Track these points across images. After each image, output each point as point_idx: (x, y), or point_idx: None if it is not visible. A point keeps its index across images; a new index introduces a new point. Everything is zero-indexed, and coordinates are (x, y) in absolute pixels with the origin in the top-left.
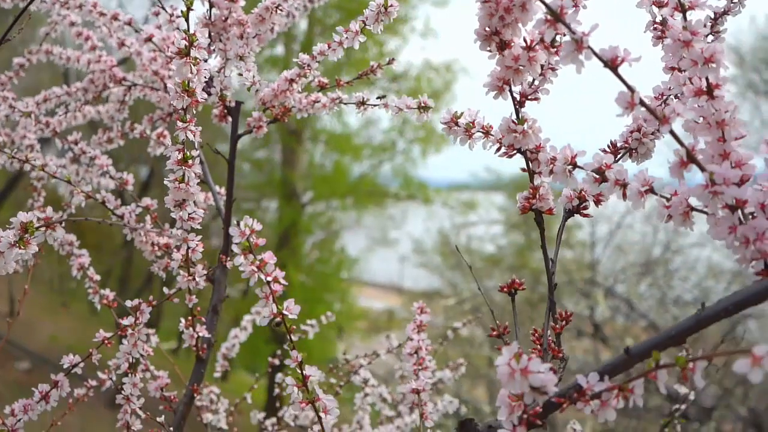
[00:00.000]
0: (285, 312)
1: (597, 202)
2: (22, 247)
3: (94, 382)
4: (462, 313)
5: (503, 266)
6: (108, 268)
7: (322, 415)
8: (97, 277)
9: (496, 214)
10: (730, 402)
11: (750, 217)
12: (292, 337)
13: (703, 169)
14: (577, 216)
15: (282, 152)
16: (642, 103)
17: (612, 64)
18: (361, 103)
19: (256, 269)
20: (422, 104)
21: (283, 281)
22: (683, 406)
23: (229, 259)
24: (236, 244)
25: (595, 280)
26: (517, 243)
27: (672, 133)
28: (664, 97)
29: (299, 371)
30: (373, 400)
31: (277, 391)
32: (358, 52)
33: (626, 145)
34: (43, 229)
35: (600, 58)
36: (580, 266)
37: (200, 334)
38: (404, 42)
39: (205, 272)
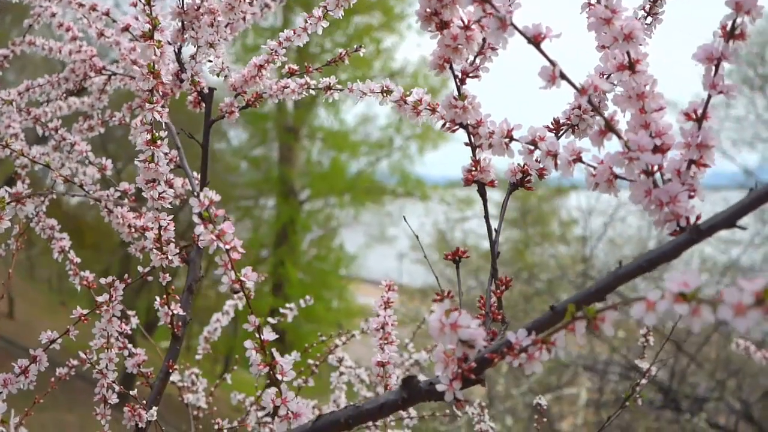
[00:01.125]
0: (243, 279)
1: (540, 176)
2: None
3: (75, 362)
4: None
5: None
6: (106, 266)
7: (279, 376)
8: (78, 260)
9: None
10: (723, 394)
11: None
12: (249, 303)
13: (620, 137)
14: (572, 212)
15: (279, 150)
16: (562, 75)
17: (535, 40)
18: (328, 88)
19: (215, 238)
20: (385, 89)
21: (241, 249)
22: (644, 381)
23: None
24: (195, 214)
25: (587, 274)
26: (513, 239)
27: (590, 103)
28: (605, 75)
29: (257, 335)
30: (348, 378)
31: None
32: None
33: (568, 122)
34: (13, 204)
35: (523, 35)
36: (575, 261)
37: (175, 312)
38: (401, 39)
39: (177, 251)
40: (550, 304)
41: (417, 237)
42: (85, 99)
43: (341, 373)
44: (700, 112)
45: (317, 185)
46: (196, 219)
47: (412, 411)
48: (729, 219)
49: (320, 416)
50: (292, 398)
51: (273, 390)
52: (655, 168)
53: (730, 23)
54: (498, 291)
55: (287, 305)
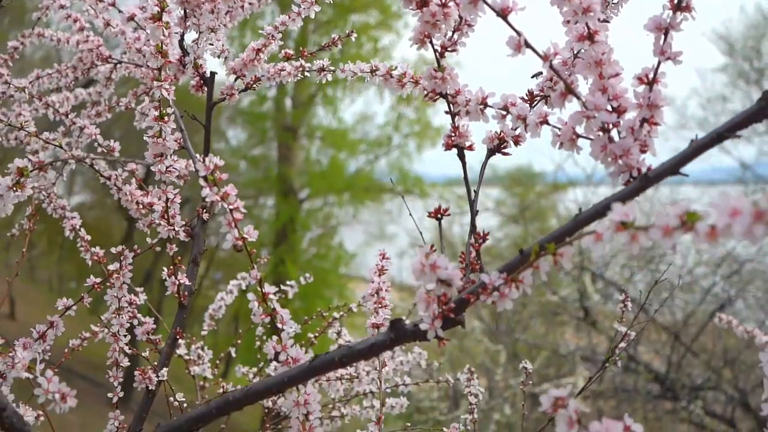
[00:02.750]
0: (246, 236)
1: (516, 143)
2: (18, 189)
3: (87, 334)
4: None
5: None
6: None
7: (279, 325)
8: (88, 237)
9: (490, 205)
10: (719, 383)
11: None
12: (252, 259)
13: (579, 98)
14: (569, 205)
15: (278, 149)
16: (527, 44)
17: (503, 13)
18: (321, 69)
19: (219, 199)
20: (374, 68)
21: (243, 210)
22: (623, 344)
23: (206, 211)
24: (202, 177)
25: (583, 265)
26: (513, 235)
27: (552, 68)
28: (575, 51)
29: (259, 288)
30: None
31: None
32: (353, 48)
33: (541, 93)
34: (36, 171)
35: (492, 9)
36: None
37: (181, 282)
38: (398, 37)
39: (183, 222)
40: (520, 249)
41: (421, 232)
42: (91, 90)
43: (340, 346)
44: (651, 76)
45: (316, 184)
46: (202, 182)
47: (407, 378)
48: (673, 167)
49: (316, 356)
50: (291, 345)
51: (274, 338)
52: (611, 125)
53: None
54: (476, 244)
55: (288, 282)
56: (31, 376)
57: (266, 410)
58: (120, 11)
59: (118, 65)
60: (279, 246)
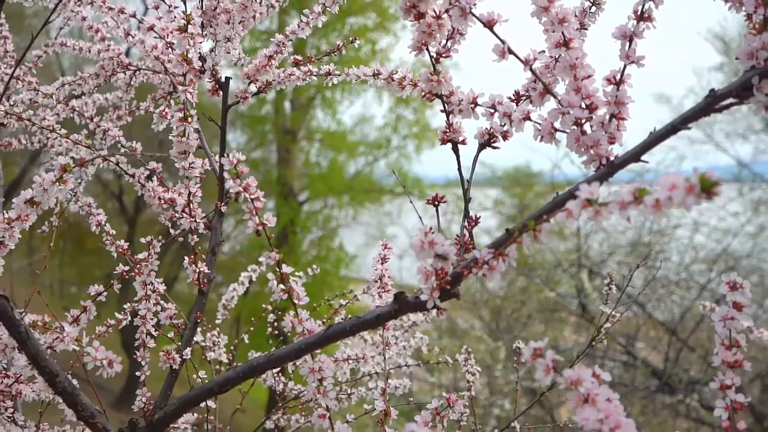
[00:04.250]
0: (265, 221)
1: (504, 137)
2: (61, 184)
3: (112, 321)
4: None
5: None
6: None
7: (296, 301)
8: (113, 232)
9: (489, 204)
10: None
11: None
12: (270, 242)
13: (555, 97)
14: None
15: (278, 152)
16: (510, 51)
17: (489, 24)
18: (328, 74)
19: (242, 189)
20: (376, 72)
21: (262, 199)
22: (607, 325)
23: (224, 204)
24: (226, 170)
25: (581, 263)
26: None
27: (532, 71)
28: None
29: (278, 269)
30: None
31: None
32: (351, 51)
33: (526, 93)
34: (77, 168)
35: (480, 21)
36: (570, 253)
37: (201, 270)
38: (396, 39)
39: (204, 215)
40: (506, 228)
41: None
42: (108, 95)
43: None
44: (618, 77)
45: (316, 186)
46: (226, 175)
47: (410, 360)
48: (635, 156)
49: (330, 326)
50: (306, 318)
51: (291, 313)
52: (583, 120)
53: (640, 8)
54: (469, 227)
55: (295, 273)
56: (78, 348)
57: (278, 394)
58: (140, 22)
59: (137, 72)
60: (279, 248)
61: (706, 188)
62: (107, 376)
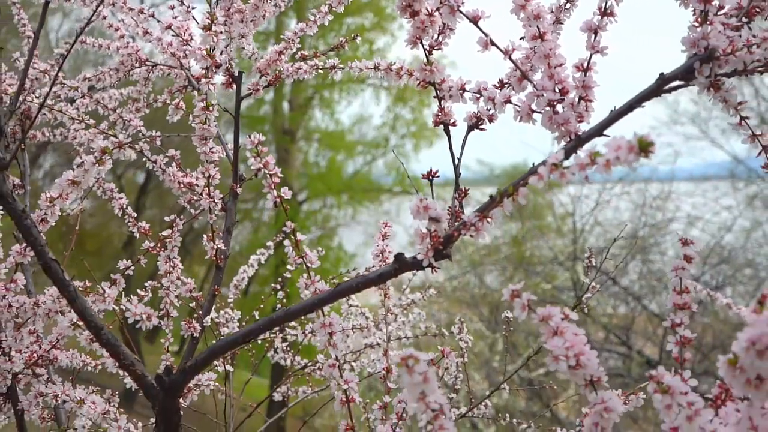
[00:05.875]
0: (282, 194)
1: (490, 120)
2: (100, 165)
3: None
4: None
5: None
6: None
7: (309, 263)
8: (134, 214)
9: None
10: (709, 367)
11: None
12: (287, 213)
13: (531, 82)
14: (566, 206)
15: (276, 152)
16: (492, 42)
17: (474, 20)
18: (332, 68)
19: (262, 166)
20: (376, 65)
21: (280, 175)
22: (588, 295)
23: (239, 187)
24: (248, 149)
25: (576, 255)
26: (512, 233)
27: (511, 60)
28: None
29: (293, 237)
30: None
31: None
32: (349, 50)
33: (508, 81)
34: (116, 149)
35: (467, 17)
36: (567, 246)
37: (218, 246)
38: (393, 39)
39: (221, 196)
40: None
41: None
42: (123, 90)
43: (350, 305)
44: (585, 65)
45: (315, 186)
46: (248, 154)
47: (408, 332)
48: (598, 131)
49: (338, 284)
50: (318, 280)
51: (304, 275)
52: (555, 102)
53: (603, 5)
54: (459, 197)
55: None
56: (118, 308)
57: (288, 370)
58: (159, 21)
59: (154, 67)
60: (279, 248)
61: (643, 148)
62: (145, 329)
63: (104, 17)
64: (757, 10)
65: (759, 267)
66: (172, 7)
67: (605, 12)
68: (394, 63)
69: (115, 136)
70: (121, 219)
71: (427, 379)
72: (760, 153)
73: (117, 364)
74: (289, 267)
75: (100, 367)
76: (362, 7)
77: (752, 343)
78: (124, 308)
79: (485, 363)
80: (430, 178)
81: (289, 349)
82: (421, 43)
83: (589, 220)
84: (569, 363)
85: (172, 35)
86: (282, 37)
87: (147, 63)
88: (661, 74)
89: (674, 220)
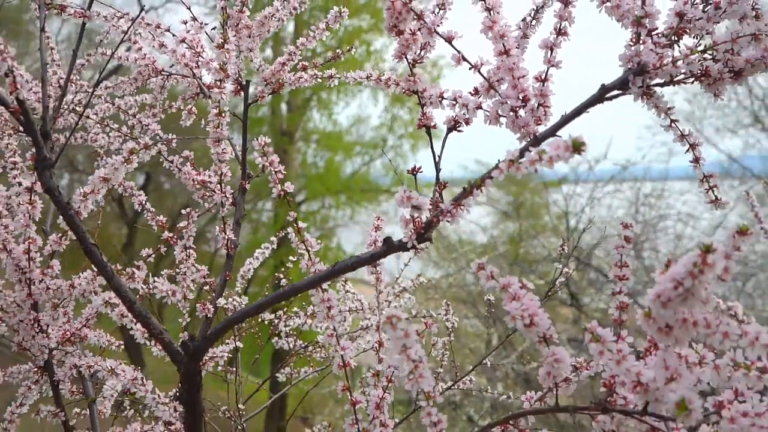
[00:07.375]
0: (286, 188)
1: (466, 123)
2: (128, 164)
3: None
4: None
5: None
6: None
7: (309, 247)
8: (153, 209)
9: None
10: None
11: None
12: (291, 205)
13: (497, 91)
14: (557, 196)
15: (275, 153)
16: (464, 58)
17: (449, 39)
18: (331, 77)
19: (268, 164)
20: (369, 75)
21: (283, 171)
22: (561, 279)
23: (247, 183)
24: (256, 150)
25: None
26: (509, 232)
27: (480, 73)
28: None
29: (296, 225)
30: (353, 302)
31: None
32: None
33: (480, 90)
34: (143, 150)
35: (442, 37)
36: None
37: (229, 237)
38: (390, 41)
39: (232, 191)
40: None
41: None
42: (137, 97)
43: (347, 291)
44: (543, 77)
45: (313, 187)
46: (257, 153)
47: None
48: (551, 132)
49: (336, 263)
50: (317, 261)
51: (306, 257)
52: (518, 108)
53: (558, 25)
54: (440, 189)
55: (291, 258)
56: (146, 288)
57: (290, 351)
58: (174, 35)
59: (170, 76)
60: (278, 249)
61: (576, 147)
62: (170, 303)
63: (123, 31)
64: (685, 30)
65: (747, 264)
66: (185, 22)
67: (560, 32)
68: (384, 73)
69: (135, 139)
70: (120, 220)
71: (408, 335)
72: (688, 150)
73: (147, 333)
74: (291, 258)
75: (123, 346)
76: (359, 9)
77: (657, 296)
78: (152, 287)
79: (480, 358)
80: (414, 173)
81: (292, 333)
82: (406, 57)
83: (582, 218)
84: (524, 322)
85: (186, 48)
86: (284, 49)
87: (163, 73)
88: (603, 85)
89: (667, 217)
